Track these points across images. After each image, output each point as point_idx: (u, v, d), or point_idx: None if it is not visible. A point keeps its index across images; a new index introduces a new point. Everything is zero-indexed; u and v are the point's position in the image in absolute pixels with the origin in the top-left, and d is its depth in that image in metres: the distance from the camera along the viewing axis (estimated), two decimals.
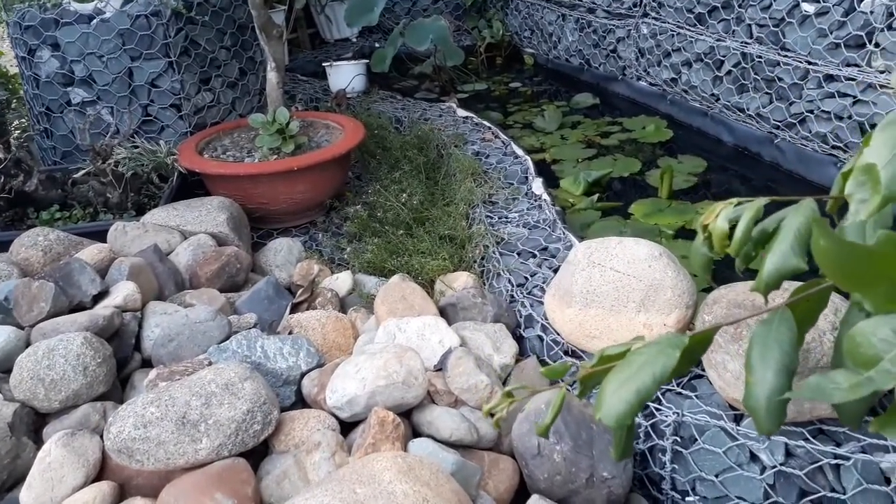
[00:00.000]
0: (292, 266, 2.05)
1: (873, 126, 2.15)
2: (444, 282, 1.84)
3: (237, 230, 2.08)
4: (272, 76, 2.48)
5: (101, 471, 1.28)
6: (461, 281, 1.82)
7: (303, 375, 1.44)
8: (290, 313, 1.72)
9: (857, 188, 0.47)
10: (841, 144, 2.38)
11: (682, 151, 2.94)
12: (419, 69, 4.48)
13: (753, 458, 1.25)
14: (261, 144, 2.32)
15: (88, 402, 1.41)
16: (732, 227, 0.52)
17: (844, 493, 1.17)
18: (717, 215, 0.52)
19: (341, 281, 1.93)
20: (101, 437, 1.28)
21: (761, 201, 0.51)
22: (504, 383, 1.51)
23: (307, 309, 1.80)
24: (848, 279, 0.41)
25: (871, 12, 2.22)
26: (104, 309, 1.56)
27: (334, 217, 2.44)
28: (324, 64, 4.05)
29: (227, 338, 1.52)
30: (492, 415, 0.64)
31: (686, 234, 2.27)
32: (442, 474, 1.13)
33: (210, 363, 1.43)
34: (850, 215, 0.46)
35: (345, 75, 3.89)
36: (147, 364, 1.59)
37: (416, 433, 1.35)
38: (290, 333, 1.60)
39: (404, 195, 2.32)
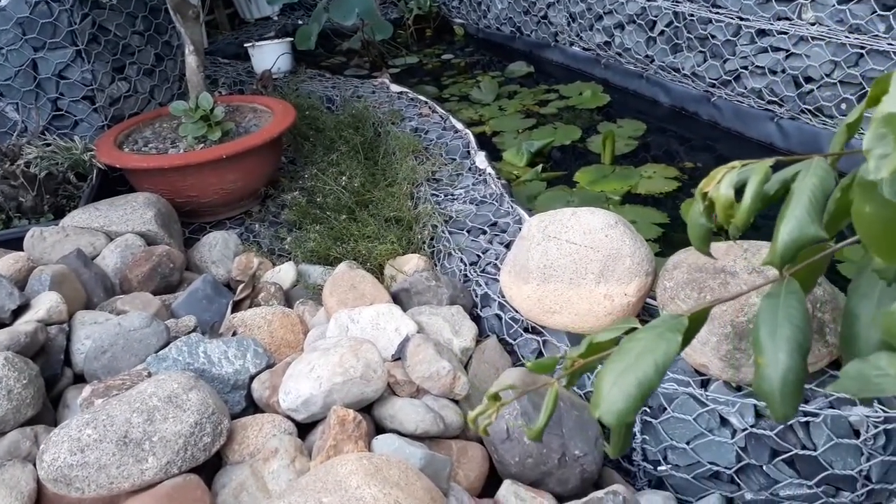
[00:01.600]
0: (230, 261, 1.94)
1: (808, 79, 2.17)
2: (394, 266, 1.76)
3: (167, 227, 1.95)
4: (191, 60, 2.32)
5: (38, 502, 1.17)
6: (412, 264, 1.75)
7: (252, 378, 1.35)
8: (232, 312, 1.62)
9: (877, 142, 0.42)
10: (776, 99, 2.40)
11: (620, 115, 2.92)
12: (347, 45, 4.34)
13: (724, 422, 1.24)
14: (185, 133, 2.18)
15: (16, 427, 1.28)
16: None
17: (816, 450, 1.16)
18: (720, 181, 0.47)
19: (284, 273, 1.83)
20: (35, 465, 1.17)
21: (767, 163, 0.46)
22: (465, 367, 1.45)
23: (250, 306, 1.70)
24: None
25: None
26: (26, 324, 1.42)
27: (270, 205, 2.32)
28: (246, 45, 3.86)
29: (166, 344, 1.42)
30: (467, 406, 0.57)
31: (632, 198, 2.26)
32: (411, 471, 1.07)
33: (149, 374, 1.33)
34: (870, 172, 0.41)
35: (269, 55, 3.72)
36: (80, 380, 1.47)
37: (379, 428, 1.28)
38: (233, 334, 1.51)
39: (344, 178, 2.22)
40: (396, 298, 1.61)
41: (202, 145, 2.18)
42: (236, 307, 1.67)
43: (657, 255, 1.90)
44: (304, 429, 1.28)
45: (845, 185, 0.48)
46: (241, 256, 1.90)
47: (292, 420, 1.27)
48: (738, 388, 1.25)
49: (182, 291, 1.72)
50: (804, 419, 1.18)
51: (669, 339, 0.49)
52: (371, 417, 1.29)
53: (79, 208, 1.97)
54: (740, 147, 2.52)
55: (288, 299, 1.76)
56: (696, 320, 0.53)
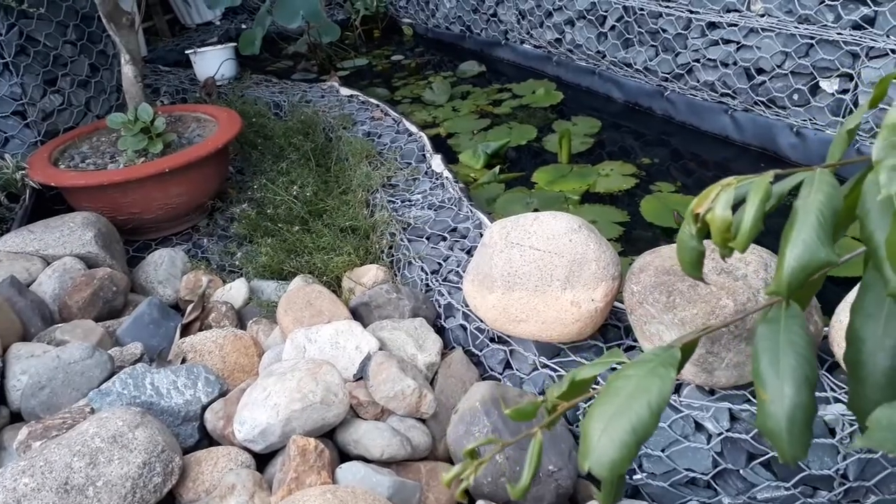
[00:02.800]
0: (177, 280, 1.84)
1: (759, 71, 2.17)
2: (351, 278, 1.69)
3: (108, 247, 1.84)
4: (128, 70, 2.21)
5: None
6: (370, 275, 1.68)
7: (204, 409, 1.27)
8: (181, 336, 1.53)
9: (889, 152, 0.37)
10: (729, 91, 2.40)
11: (574, 113, 2.90)
12: (293, 48, 4.23)
13: (699, 427, 1.21)
14: (124, 147, 2.07)
15: None
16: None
17: None
18: (715, 200, 0.42)
19: (235, 290, 1.74)
20: None
21: (767, 178, 0.41)
22: (431, 383, 1.39)
23: (200, 328, 1.61)
24: None
25: None
26: None
27: (219, 219, 2.23)
28: (187, 52, 3.73)
29: (111, 376, 1.32)
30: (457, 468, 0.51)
31: (591, 197, 2.23)
32: (379, 503, 1.01)
33: (92, 410, 1.23)
34: (882, 186, 0.37)
35: (212, 62, 3.60)
36: (17, 418, 1.36)
37: (343, 454, 1.22)
38: (183, 361, 1.42)
39: (295, 187, 2.14)
40: (356, 313, 1.54)
41: (143, 159, 2.08)
42: (186, 330, 1.58)
43: (620, 254, 1.87)
44: (263, 459, 1.20)
45: (844, 193, 0.44)
46: (189, 275, 1.81)
47: (249, 452, 1.19)
48: (712, 392, 1.22)
49: (127, 316, 1.62)
50: None
51: (663, 376, 0.44)
52: (334, 443, 1.22)
53: (11, 231, 1.85)
54: (695, 141, 2.51)
55: (240, 319, 1.68)
56: (688, 350, 0.48)
